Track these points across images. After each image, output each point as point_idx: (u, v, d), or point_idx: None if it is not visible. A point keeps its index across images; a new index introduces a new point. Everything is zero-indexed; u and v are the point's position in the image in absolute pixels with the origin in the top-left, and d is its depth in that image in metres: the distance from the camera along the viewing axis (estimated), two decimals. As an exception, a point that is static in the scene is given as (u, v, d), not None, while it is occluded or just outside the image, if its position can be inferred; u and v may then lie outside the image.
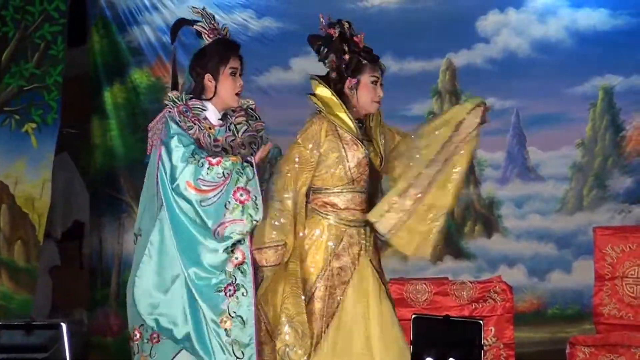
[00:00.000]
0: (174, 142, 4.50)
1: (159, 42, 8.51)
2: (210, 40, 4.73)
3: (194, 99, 4.64)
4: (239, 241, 4.42)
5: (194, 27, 4.78)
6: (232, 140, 4.61)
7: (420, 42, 8.53)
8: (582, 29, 8.38)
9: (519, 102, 8.48)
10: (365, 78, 4.76)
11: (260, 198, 4.38)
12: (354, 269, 4.60)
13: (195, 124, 4.55)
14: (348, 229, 4.64)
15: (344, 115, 4.69)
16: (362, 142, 4.71)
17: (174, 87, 4.89)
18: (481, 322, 4.19)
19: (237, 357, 4.38)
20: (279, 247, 4.46)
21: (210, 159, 4.40)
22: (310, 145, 4.65)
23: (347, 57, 4.78)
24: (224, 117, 4.72)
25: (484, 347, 6.03)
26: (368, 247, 4.70)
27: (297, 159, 4.59)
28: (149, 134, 4.88)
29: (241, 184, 4.38)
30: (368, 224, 4.66)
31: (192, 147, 4.46)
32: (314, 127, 4.69)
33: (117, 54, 8.54)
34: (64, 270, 9.03)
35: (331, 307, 4.53)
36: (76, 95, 8.42)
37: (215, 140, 4.59)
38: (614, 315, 6.55)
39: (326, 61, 4.86)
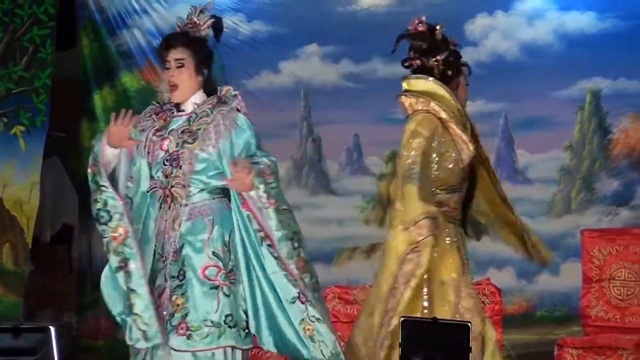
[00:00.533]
0: None
1: (149, 46, 8.54)
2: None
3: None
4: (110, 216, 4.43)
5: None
6: (184, 130, 4.43)
7: (409, 45, 8.53)
8: (570, 32, 8.41)
9: (508, 105, 8.51)
10: (462, 79, 4.95)
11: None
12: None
13: (152, 118, 4.55)
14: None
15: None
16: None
17: None
18: (469, 324, 4.19)
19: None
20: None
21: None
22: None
23: (452, 58, 4.86)
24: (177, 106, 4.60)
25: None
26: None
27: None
28: None
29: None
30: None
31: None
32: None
33: (107, 58, 8.55)
34: (50, 273, 8.99)
35: None
36: (65, 98, 8.41)
37: (158, 129, 4.48)
38: (601, 317, 6.58)
39: (425, 60, 4.87)
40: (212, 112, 4.43)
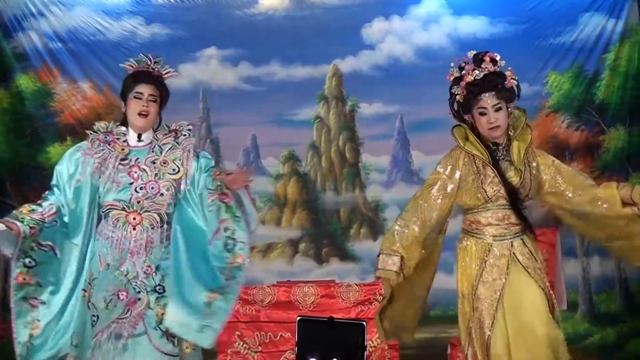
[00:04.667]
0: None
1: (45, 48, 8.47)
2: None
3: (120, 126, 5.09)
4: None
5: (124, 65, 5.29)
6: (154, 160, 4.97)
7: (307, 49, 8.63)
8: (463, 36, 8.56)
9: (404, 108, 8.63)
10: (475, 111, 4.98)
11: None
12: (504, 280, 4.87)
13: (106, 147, 4.99)
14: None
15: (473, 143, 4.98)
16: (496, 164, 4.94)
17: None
18: (364, 323, 4.28)
19: None
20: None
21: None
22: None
23: (458, 97, 5.03)
24: (153, 139, 5.08)
25: (369, 349, 6.18)
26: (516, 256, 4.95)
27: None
28: None
29: None
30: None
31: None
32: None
33: (2, 59, 8.42)
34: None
35: None
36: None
37: (123, 159, 4.97)
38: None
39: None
40: (178, 144, 5.02)
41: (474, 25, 8.56)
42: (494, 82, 4.95)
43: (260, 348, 6.65)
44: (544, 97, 8.61)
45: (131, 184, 4.89)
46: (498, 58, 5.02)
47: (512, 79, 4.98)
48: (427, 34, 8.67)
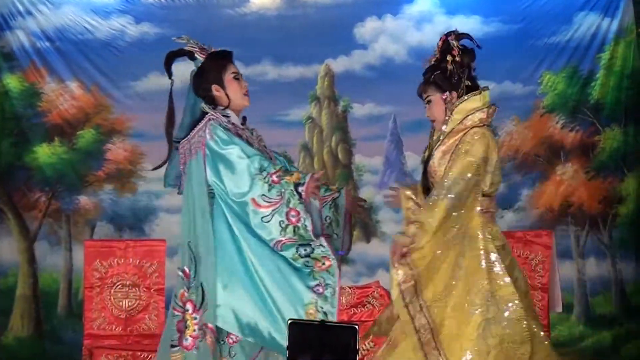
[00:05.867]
0: (235, 153, 4.65)
1: (33, 47, 8.41)
2: (204, 56, 4.92)
3: (220, 109, 4.82)
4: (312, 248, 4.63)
5: (187, 47, 4.98)
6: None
7: (299, 48, 8.57)
8: (457, 34, 8.52)
9: (397, 108, 8.56)
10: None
11: (309, 220, 4.56)
12: None
13: (236, 130, 4.75)
14: None
15: None
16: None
17: (170, 119, 4.92)
18: (356, 326, 4.19)
19: None
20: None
21: (273, 176, 4.59)
22: None
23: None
24: (244, 120, 4.93)
25: (362, 352, 6.11)
26: None
27: None
28: (184, 145, 4.84)
29: (292, 205, 4.55)
30: None
31: (257, 157, 4.63)
32: None
33: (-12, 59, 8.39)
34: None
35: None
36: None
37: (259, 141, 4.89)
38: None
39: None
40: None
41: (467, 25, 8.47)
42: (425, 75, 4.94)
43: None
44: (538, 97, 8.57)
45: None
46: (453, 39, 4.84)
47: (450, 62, 4.81)
48: (421, 33, 8.62)
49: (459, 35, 4.86)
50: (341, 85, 8.67)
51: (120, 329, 6.78)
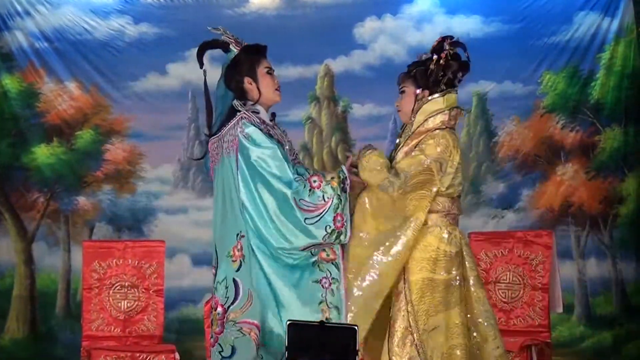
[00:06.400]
0: (271, 155, 4.68)
1: (31, 48, 8.38)
2: (238, 49, 4.90)
3: (249, 103, 4.83)
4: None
5: (222, 38, 4.94)
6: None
7: (298, 48, 8.54)
8: (456, 35, 8.44)
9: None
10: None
11: (349, 221, 4.64)
12: None
13: (271, 129, 4.79)
14: None
15: None
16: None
17: (209, 109, 4.90)
18: (356, 327, 4.18)
19: None
20: None
21: (311, 181, 4.63)
22: None
23: None
24: (273, 117, 4.93)
25: (361, 353, 6.08)
26: None
27: None
28: (215, 142, 4.83)
29: (340, 210, 4.62)
30: None
31: (287, 161, 4.69)
32: None
33: (-14, 59, 8.37)
34: None
35: None
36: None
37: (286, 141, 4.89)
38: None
39: None
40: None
41: (467, 25, 8.48)
42: (410, 66, 4.95)
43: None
44: (538, 97, 8.54)
45: None
46: (447, 43, 4.86)
47: (434, 63, 4.83)
48: (420, 33, 8.60)
49: (455, 43, 4.88)
50: (341, 85, 8.65)
51: (119, 330, 6.75)
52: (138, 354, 6.54)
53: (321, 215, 4.60)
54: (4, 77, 8.34)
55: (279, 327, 4.62)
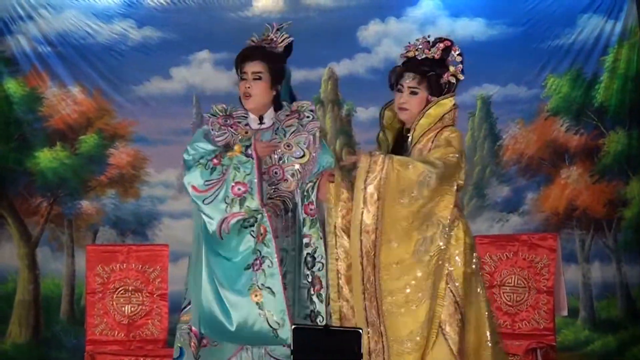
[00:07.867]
0: (185, 154, 4.77)
1: (34, 52, 8.40)
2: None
3: (240, 109, 4.94)
4: (256, 218, 4.61)
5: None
6: (279, 142, 4.79)
7: (302, 52, 8.36)
8: (460, 38, 8.39)
9: (400, 112, 8.52)
10: (395, 88, 4.94)
11: (255, 189, 4.60)
12: None
13: (229, 130, 4.83)
14: None
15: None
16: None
17: None
18: (360, 331, 4.18)
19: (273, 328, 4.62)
20: None
21: (214, 159, 4.65)
22: None
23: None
24: (276, 121, 4.91)
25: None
26: None
27: None
28: None
29: (239, 179, 4.59)
30: None
31: (201, 151, 4.70)
32: None
33: (-11, 64, 8.38)
34: None
35: None
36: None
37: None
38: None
39: None
40: (302, 126, 4.82)
41: (471, 27, 8.48)
42: (421, 66, 4.80)
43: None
44: (542, 100, 8.53)
45: None
46: (456, 52, 4.86)
47: (451, 74, 4.81)
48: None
49: (450, 47, 4.87)
50: (345, 88, 8.64)
51: (123, 335, 6.75)
52: (142, 358, 6.54)
53: (218, 189, 4.60)
54: (7, 82, 8.36)
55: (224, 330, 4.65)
